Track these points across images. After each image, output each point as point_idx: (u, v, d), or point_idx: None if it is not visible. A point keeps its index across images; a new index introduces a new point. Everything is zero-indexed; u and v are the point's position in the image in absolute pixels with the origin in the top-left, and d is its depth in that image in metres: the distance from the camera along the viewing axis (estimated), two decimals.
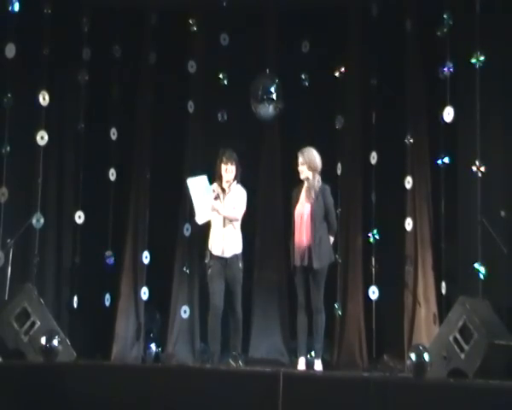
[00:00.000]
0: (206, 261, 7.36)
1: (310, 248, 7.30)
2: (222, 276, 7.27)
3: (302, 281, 7.37)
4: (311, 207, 7.37)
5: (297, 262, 7.36)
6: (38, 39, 8.36)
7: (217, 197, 7.34)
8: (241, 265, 7.40)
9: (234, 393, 6.02)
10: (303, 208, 7.42)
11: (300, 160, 7.44)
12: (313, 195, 7.39)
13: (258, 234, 8.78)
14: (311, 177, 7.42)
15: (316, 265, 7.28)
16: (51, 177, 8.78)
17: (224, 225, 7.34)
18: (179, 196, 8.84)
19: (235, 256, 7.36)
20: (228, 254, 7.31)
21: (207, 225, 7.45)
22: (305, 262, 7.32)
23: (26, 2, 8.11)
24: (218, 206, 7.31)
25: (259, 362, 8.23)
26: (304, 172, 7.43)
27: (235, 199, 7.42)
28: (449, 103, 7.89)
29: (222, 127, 8.73)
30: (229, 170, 7.37)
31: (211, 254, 7.32)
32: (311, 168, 7.43)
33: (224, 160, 7.37)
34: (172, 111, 9.01)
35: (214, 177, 7.43)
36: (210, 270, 7.31)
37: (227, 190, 7.40)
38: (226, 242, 7.32)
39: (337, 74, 8.82)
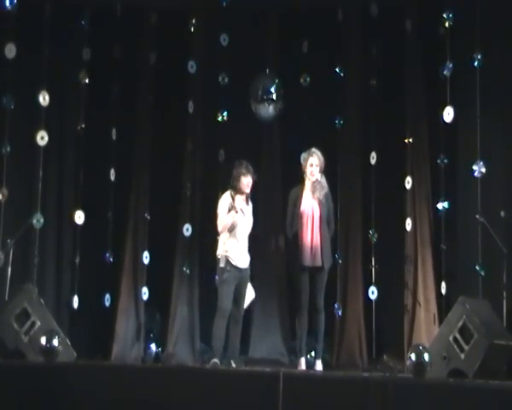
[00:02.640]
0: (222, 266, 7.34)
1: (321, 248, 7.41)
2: (234, 282, 7.32)
3: (307, 281, 7.40)
4: (321, 208, 7.47)
5: (306, 262, 7.39)
6: (38, 39, 8.36)
7: (238, 211, 7.37)
8: (249, 271, 7.53)
9: (234, 393, 6.02)
10: (312, 209, 7.49)
11: (316, 162, 7.50)
12: (322, 196, 7.47)
13: (259, 234, 8.77)
14: (319, 178, 7.48)
15: (326, 264, 7.45)
16: (51, 177, 8.77)
17: (246, 238, 7.44)
18: (179, 196, 8.85)
19: (249, 265, 7.50)
20: (246, 265, 7.44)
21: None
22: (316, 262, 7.40)
23: (26, 3, 8.12)
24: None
25: (259, 362, 8.23)
26: (316, 173, 7.49)
27: (251, 213, 7.54)
28: (449, 103, 7.89)
29: (222, 127, 8.73)
30: (249, 182, 7.41)
31: (229, 261, 7.34)
32: (321, 170, 7.53)
33: (245, 172, 7.38)
34: (172, 111, 9.01)
35: (232, 190, 7.43)
36: (225, 275, 7.31)
37: (246, 203, 7.44)
38: (245, 253, 7.43)
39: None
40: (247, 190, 7.43)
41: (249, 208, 7.51)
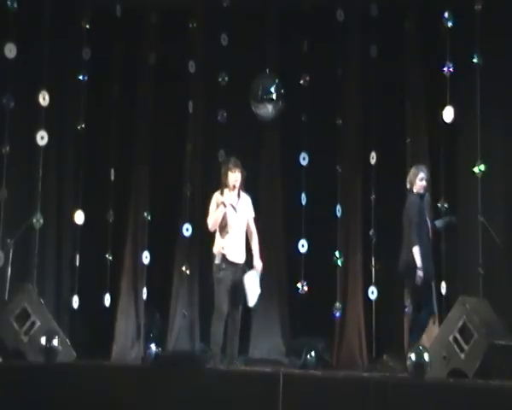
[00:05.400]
0: (218, 263, 7.33)
1: None
2: (230, 280, 7.29)
3: None
4: None
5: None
6: (38, 39, 8.37)
7: (227, 207, 7.36)
8: (247, 269, 7.47)
9: (234, 393, 6.02)
10: None
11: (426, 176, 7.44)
12: None
13: (259, 234, 8.76)
14: None
15: None
16: (51, 177, 8.78)
17: (241, 233, 7.40)
18: (179, 196, 8.85)
19: (245, 261, 7.46)
20: (242, 261, 7.40)
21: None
22: None
23: (26, 2, 8.12)
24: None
25: (259, 362, 8.23)
26: None
27: (247, 207, 7.48)
28: (449, 103, 7.89)
29: (222, 127, 8.73)
30: (237, 177, 7.38)
31: (225, 258, 7.32)
32: None
33: (231, 167, 7.37)
34: (172, 111, 9.01)
35: (221, 186, 7.43)
36: (221, 273, 7.29)
37: (237, 198, 7.41)
38: (241, 248, 7.40)
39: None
40: (236, 185, 7.42)
41: (242, 203, 7.47)
